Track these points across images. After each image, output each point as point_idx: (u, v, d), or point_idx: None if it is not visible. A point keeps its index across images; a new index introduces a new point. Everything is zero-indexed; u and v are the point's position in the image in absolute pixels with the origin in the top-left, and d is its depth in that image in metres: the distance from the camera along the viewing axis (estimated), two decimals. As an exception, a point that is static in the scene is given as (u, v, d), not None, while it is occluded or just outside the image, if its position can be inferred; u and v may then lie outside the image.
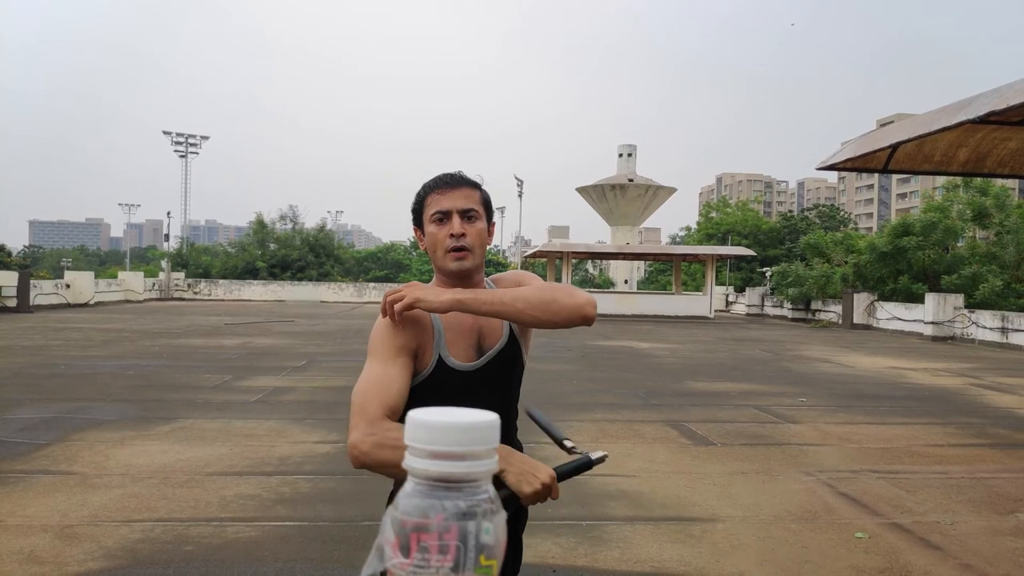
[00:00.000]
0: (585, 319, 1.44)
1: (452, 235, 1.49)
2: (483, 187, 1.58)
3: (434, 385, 1.49)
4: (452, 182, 1.52)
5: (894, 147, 6.73)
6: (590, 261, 61.80)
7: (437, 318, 1.50)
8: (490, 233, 1.57)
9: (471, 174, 1.58)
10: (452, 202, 1.50)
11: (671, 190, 38.34)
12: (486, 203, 1.57)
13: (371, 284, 39.44)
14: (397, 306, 1.38)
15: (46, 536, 3.64)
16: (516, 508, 1.26)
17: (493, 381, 1.55)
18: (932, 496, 4.68)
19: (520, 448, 1.70)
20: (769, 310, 30.00)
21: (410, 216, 1.59)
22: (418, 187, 1.58)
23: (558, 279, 28.90)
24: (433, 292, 1.38)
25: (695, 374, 10.70)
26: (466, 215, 1.50)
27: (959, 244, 25.35)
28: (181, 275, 37.03)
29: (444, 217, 1.50)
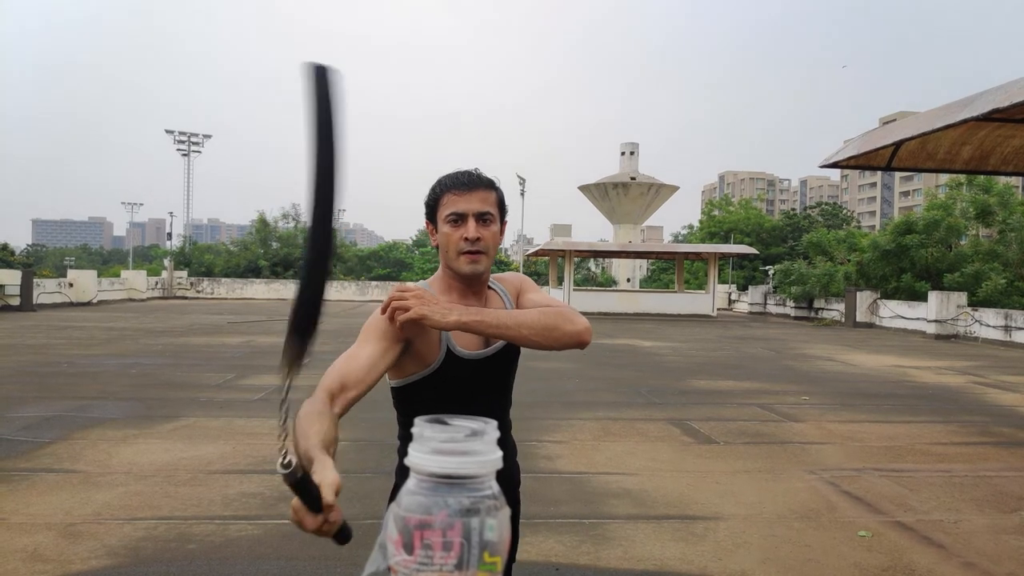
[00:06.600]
0: (581, 345, 1.48)
1: (467, 239, 1.47)
2: (498, 186, 1.56)
3: (442, 377, 1.49)
4: (469, 183, 1.50)
5: (897, 145, 6.72)
6: (592, 259, 61.73)
7: None
8: (502, 232, 1.56)
9: (487, 172, 1.55)
10: (468, 204, 1.48)
11: (673, 188, 38.30)
12: (500, 203, 1.55)
13: (373, 283, 39.44)
14: (400, 317, 1.35)
15: (49, 534, 3.65)
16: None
17: (494, 376, 1.57)
18: (935, 494, 4.67)
19: (514, 448, 1.72)
20: (772, 308, 29.95)
21: (423, 209, 1.57)
22: (426, 182, 1.58)
23: (560, 278, 28.86)
24: (439, 311, 1.35)
25: (697, 372, 10.69)
26: (482, 218, 1.49)
27: (962, 242, 25.28)
28: (184, 274, 37.10)
29: (459, 219, 1.48)
